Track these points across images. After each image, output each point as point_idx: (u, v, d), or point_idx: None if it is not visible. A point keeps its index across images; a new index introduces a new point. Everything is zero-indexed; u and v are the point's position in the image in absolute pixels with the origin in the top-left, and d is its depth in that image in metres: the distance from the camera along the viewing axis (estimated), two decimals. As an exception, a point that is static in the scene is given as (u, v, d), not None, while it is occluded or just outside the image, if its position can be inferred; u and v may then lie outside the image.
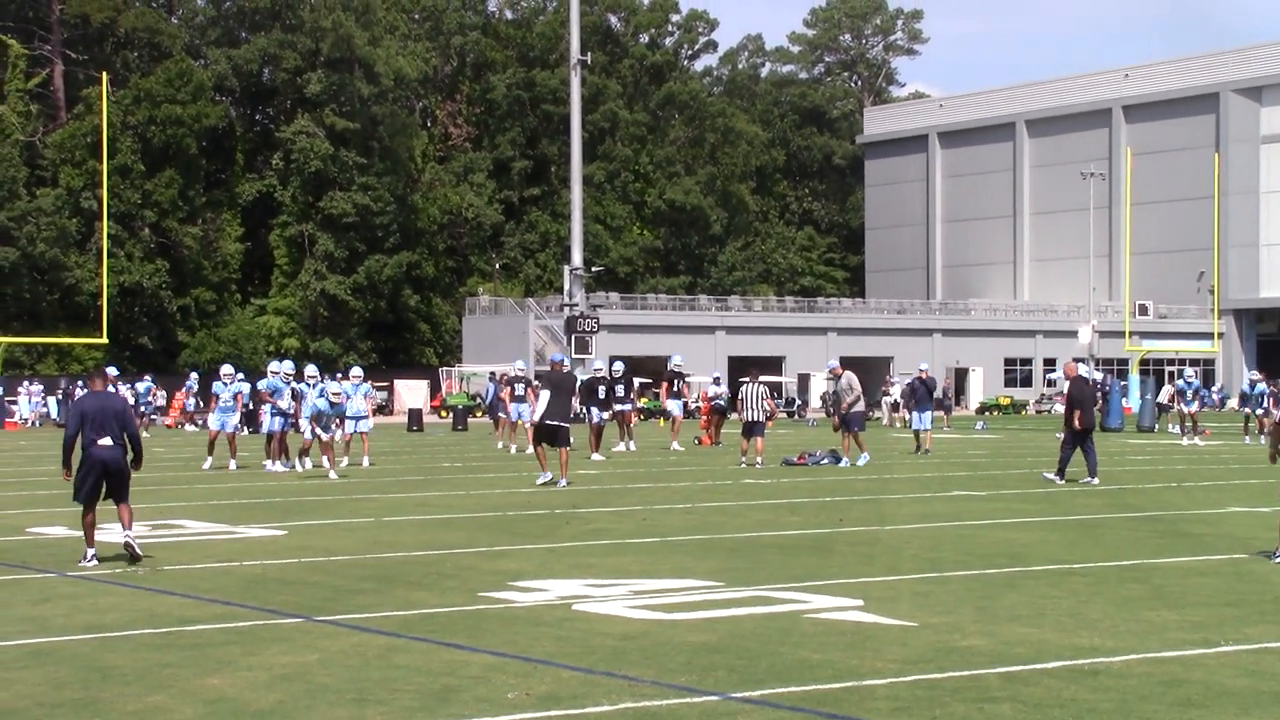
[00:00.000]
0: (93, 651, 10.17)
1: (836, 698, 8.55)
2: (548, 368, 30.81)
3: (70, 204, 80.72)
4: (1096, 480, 25.07)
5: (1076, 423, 25.15)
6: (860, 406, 31.14)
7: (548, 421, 24.98)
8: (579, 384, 31.74)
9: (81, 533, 15.11)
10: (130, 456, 15.06)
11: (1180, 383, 43.21)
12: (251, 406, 36.24)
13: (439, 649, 10.14)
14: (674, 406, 38.88)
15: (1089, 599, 12.28)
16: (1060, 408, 41.88)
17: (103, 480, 14.80)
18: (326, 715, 8.26)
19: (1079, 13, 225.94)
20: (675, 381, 39.27)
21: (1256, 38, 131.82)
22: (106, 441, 14.75)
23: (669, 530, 17.73)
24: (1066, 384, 26.14)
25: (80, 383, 56.43)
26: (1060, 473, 25.40)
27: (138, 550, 14.73)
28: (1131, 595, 12.50)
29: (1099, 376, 52.73)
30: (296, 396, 29.94)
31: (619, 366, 37.87)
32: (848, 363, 34.07)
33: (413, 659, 9.78)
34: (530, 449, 25.90)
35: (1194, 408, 42.34)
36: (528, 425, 25.87)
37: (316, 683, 9.05)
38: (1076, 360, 29.09)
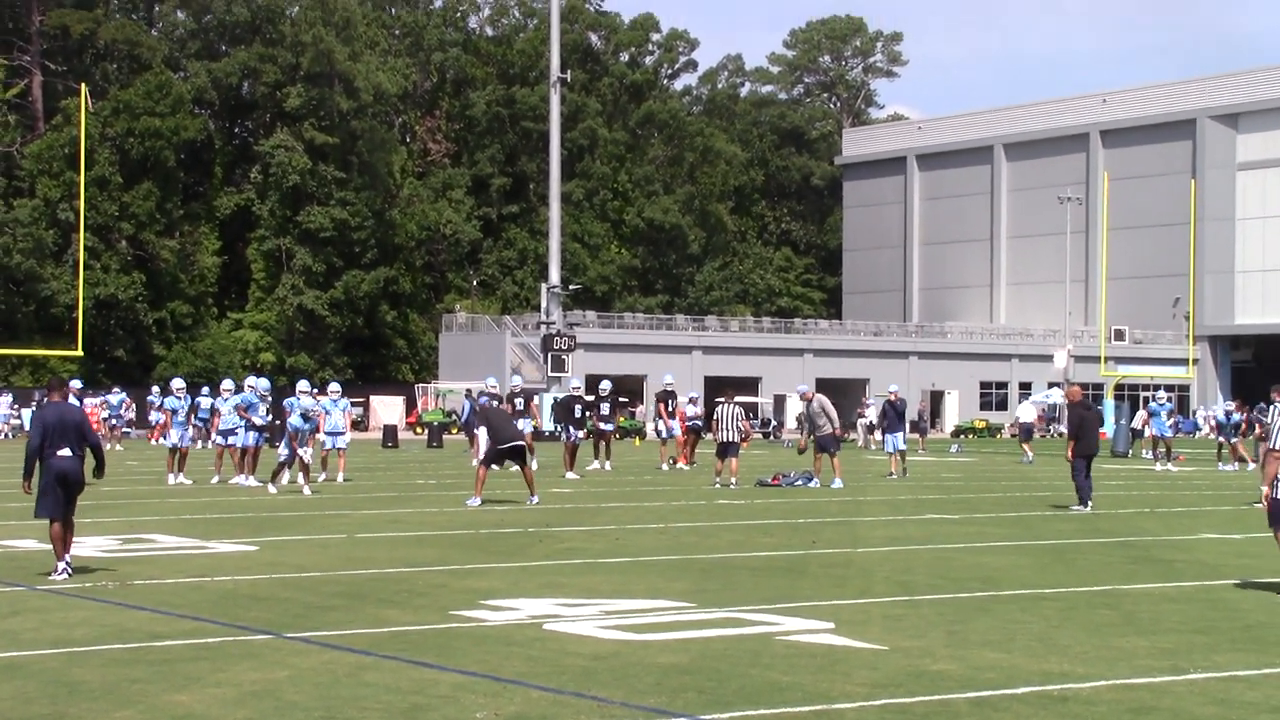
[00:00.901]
0: (61, 666, 10.13)
1: (806, 721, 8.55)
2: (489, 400, 30.51)
3: (47, 215, 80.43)
4: (1083, 508, 24.94)
5: (1069, 451, 25.01)
6: (834, 430, 31.17)
7: (501, 447, 24.65)
8: (556, 402, 31.68)
9: (50, 546, 15.05)
10: (93, 467, 15.14)
11: (1153, 405, 43.39)
12: (208, 418, 36.07)
13: (409, 667, 10.12)
14: (673, 426, 39.34)
15: (1060, 624, 12.30)
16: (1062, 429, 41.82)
17: (61, 490, 14.77)
18: (294, 733, 8.23)
19: (1058, 38, 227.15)
20: (669, 401, 39.47)
21: (1233, 65, 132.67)
22: (65, 452, 14.77)
23: (641, 550, 17.72)
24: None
25: (38, 394, 56.40)
26: (1084, 501, 25.02)
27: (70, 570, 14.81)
28: (1102, 621, 12.53)
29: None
30: (282, 411, 29.70)
31: (606, 385, 37.78)
32: (823, 384, 34.14)
33: (382, 677, 9.76)
34: (478, 466, 25.61)
35: (1168, 433, 42.46)
36: (480, 451, 25.53)
37: (286, 700, 9.02)
38: (1053, 385, 29.11)
